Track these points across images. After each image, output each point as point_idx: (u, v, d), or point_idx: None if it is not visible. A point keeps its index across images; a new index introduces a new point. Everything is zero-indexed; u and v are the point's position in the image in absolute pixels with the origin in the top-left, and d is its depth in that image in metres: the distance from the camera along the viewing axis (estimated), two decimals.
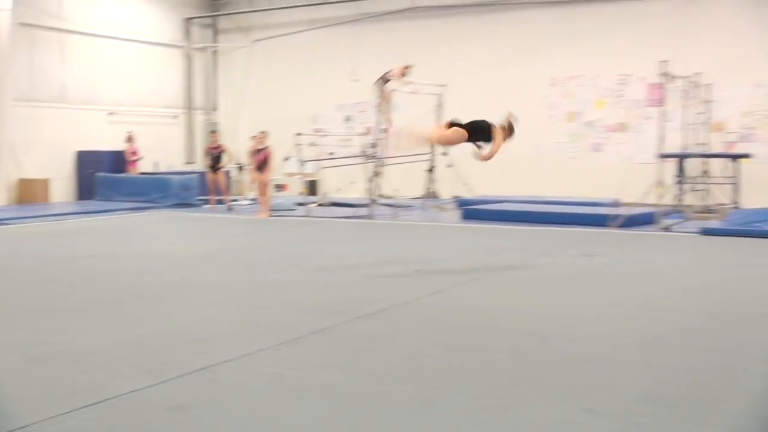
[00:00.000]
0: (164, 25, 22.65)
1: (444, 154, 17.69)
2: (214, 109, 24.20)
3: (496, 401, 4.34)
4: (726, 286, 8.03)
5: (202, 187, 18.75)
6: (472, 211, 15.43)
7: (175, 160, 22.70)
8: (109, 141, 20.46)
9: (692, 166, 15.20)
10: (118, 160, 20.25)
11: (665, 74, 13.10)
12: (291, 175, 20.64)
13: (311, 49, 22.25)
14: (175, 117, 23.09)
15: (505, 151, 19.12)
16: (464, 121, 9.70)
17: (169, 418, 4.14)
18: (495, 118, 10.09)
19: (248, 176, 17.01)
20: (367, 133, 18.56)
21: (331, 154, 19.48)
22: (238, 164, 22.34)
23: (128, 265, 9.55)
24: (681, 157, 15.31)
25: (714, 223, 13.28)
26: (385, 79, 16.12)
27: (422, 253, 10.56)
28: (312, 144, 16.96)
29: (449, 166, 17.63)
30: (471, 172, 17.92)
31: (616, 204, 14.36)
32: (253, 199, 17.89)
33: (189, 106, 23.43)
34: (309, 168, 18.81)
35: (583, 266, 9.31)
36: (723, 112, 17.03)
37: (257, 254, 10.66)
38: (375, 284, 8.11)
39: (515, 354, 5.32)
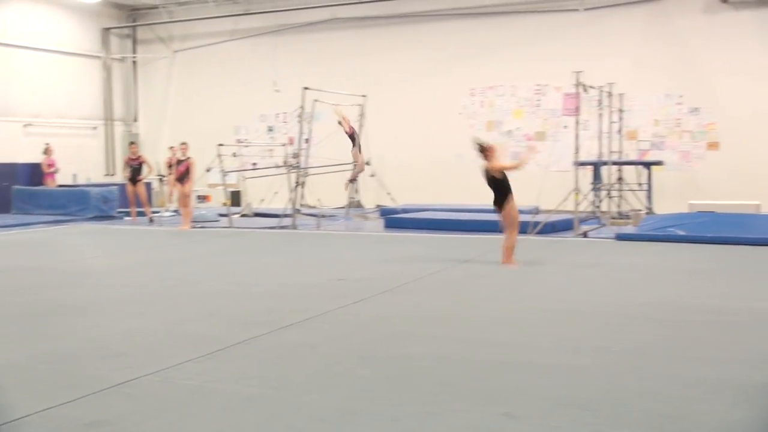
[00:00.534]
0: (82, 35, 22.23)
1: (367, 163, 17.76)
2: (135, 120, 23.83)
3: (419, 408, 4.40)
4: (638, 289, 8.27)
5: (122, 199, 18.44)
6: (395, 220, 15.55)
7: (95, 172, 22.27)
8: (25, 153, 19.98)
9: (608, 173, 15.60)
10: (34, 173, 19.77)
11: (580, 84, 13.43)
12: (214, 186, 20.46)
13: (232, 59, 22.12)
14: (94, 128, 22.67)
15: (426, 160, 19.45)
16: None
17: None
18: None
19: (169, 188, 16.78)
20: (289, 143, 18.54)
21: (254, 164, 19.40)
22: (160, 176, 22.04)
23: (47, 279, 9.34)
24: (596, 165, 15.70)
25: (629, 229, 13.67)
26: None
27: (345, 263, 10.60)
28: (234, 155, 16.85)
29: (372, 175, 17.72)
30: (393, 182, 18.08)
31: (535, 211, 14.64)
32: (175, 211, 17.67)
33: (108, 117, 23.02)
34: (232, 179, 18.68)
35: (504, 273, 9.48)
36: (636, 120, 17.59)
37: (179, 266, 10.54)
38: (298, 294, 8.11)
39: (437, 361, 5.39)
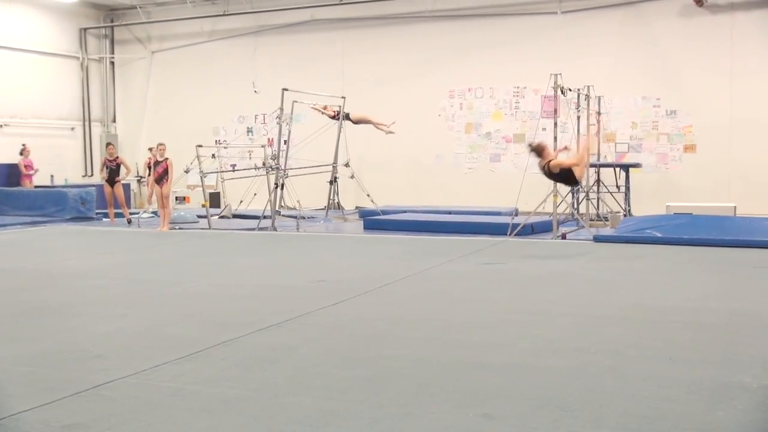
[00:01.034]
0: (59, 35, 22.08)
1: (346, 165, 17.78)
2: (113, 120, 23.69)
3: (398, 409, 4.40)
4: (616, 291, 8.33)
5: (100, 200, 18.31)
6: (375, 222, 15.56)
7: (72, 173, 22.12)
8: (2, 154, 19.81)
9: (586, 175, 15.67)
10: (11, 174, 19.60)
11: (558, 87, 13.50)
12: (192, 187, 20.38)
13: (211, 60, 22.06)
14: (72, 129, 22.53)
15: (405, 161, 19.47)
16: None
17: None
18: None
19: (148, 189, 16.70)
20: (269, 144, 18.50)
21: (233, 166, 19.35)
22: (139, 177, 21.94)
23: (24, 281, 9.26)
24: None
25: (607, 231, 13.77)
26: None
27: (325, 264, 10.59)
28: (214, 156, 16.81)
29: (351, 177, 17.73)
30: (372, 183, 18.09)
31: (514, 213, 14.71)
32: (153, 212, 17.58)
33: (86, 118, 22.87)
34: (211, 180, 18.61)
35: (483, 274, 9.51)
36: (613, 123, 17.72)
37: (157, 268, 10.50)
38: (277, 296, 8.10)
39: (416, 362, 5.40)
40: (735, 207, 14.34)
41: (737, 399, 4.53)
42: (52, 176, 20.96)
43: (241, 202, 17.93)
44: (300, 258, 11.39)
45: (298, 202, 16.56)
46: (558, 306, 7.41)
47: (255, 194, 16.98)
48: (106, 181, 17.38)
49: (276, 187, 15.69)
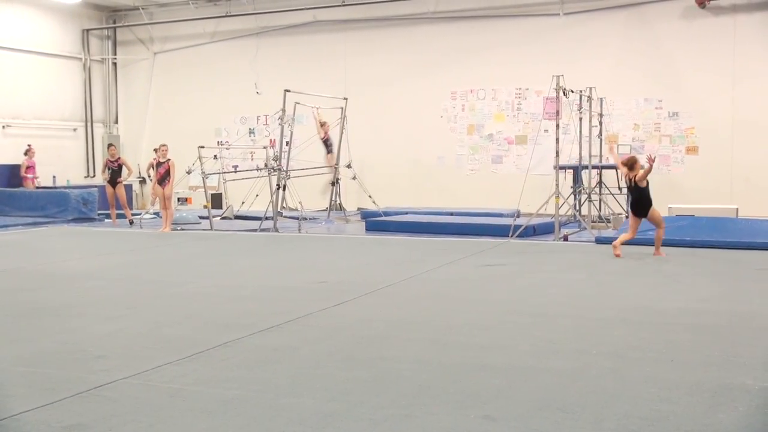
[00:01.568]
0: (61, 37, 22.10)
1: (348, 166, 17.81)
2: (115, 121, 23.70)
3: (398, 411, 4.40)
4: (617, 292, 8.33)
5: (102, 201, 18.33)
6: (377, 223, 15.56)
7: (74, 174, 22.14)
8: (4, 155, 19.83)
9: (588, 177, 15.68)
10: (13, 174, 19.62)
11: (560, 88, 13.49)
12: (194, 188, 20.39)
13: (213, 61, 22.08)
14: (74, 130, 22.55)
15: (407, 163, 19.53)
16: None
17: None
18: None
19: (151, 190, 16.71)
20: (271, 145, 18.51)
21: (235, 167, 19.35)
22: (141, 177, 21.97)
23: (25, 281, 9.28)
24: (577, 169, 15.78)
25: (608, 232, 13.75)
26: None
27: (326, 266, 10.59)
28: (216, 157, 16.81)
29: (353, 178, 17.74)
30: (374, 185, 18.10)
31: (516, 214, 14.70)
32: (156, 213, 17.60)
33: (88, 119, 22.89)
34: (213, 181, 18.62)
35: (484, 276, 9.51)
36: (616, 124, 17.71)
37: (159, 269, 10.50)
38: (278, 297, 8.10)
39: (417, 363, 5.40)
40: (737, 209, 14.33)
41: (738, 401, 4.52)
42: (54, 177, 20.98)
43: (242, 203, 17.92)
44: (301, 259, 11.39)
45: (299, 203, 16.56)
46: (559, 307, 7.41)
47: (257, 195, 16.98)
48: (108, 182, 17.38)
49: (278, 189, 15.69)
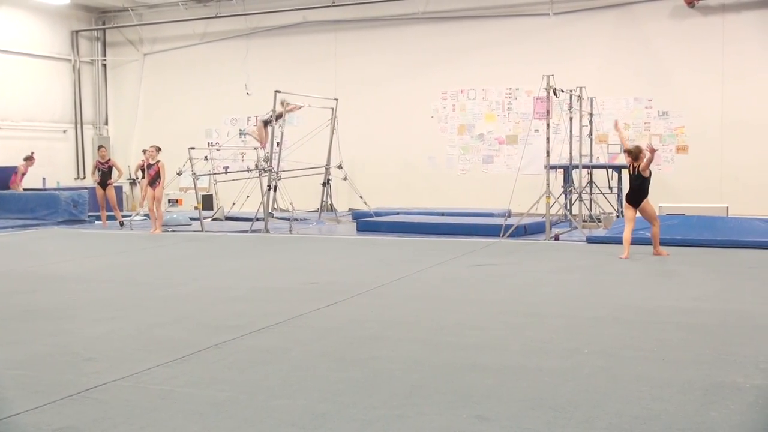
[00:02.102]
0: (51, 38, 22.02)
1: (339, 167, 17.80)
2: (105, 123, 23.63)
3: (391, 411, 4.39)
4: (608, 291, 8.34)
5: (92, 203, 18.26)
6: (368, 224, 15.55)
7: (65, 176, 22.06)
8: None
9: (579, 176, 15.71)
10: (3, 176, 19.50)
11: (550, 88, 13.51)
12: (185, 189, 20.35)
13: (203, 62, 22.03)
14: (64, 132, 22.47)
15: (398, 163, 19.53)
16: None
17: None
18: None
19: (141, 191, 16.66)
20: (261, 146, 18.47)
21: (225, 168, 19.31)
22: (131, 179, 21.90)
23: (15, 283, 9.24)
24: (567, 168, 15.80)
25: (599, 232, 13.78)
26: (266, 122, 16.34)
27: (317, 266, 10.57)
28: (206, 158, 16.77)
29: (344, 179, 17.73)
30: (365, 185, 18.10)
31: (507, 214, 14.71)
32: (146, 215, 17.55)
33: (78, 121, 22.81)
34: (203, 182, 18.58)
35: (476, 276, 9.51)
36: (606, 124, 17.74)
37: (150, 270, 10.47)
38: (270, 298, 8.09)
39: (409, 364, 5.39)
40: (727, 208, 14.37)
41: (730, 399, 4.53)
42: (44, 179, 20.89)
43: (233, 204, 17.90)
44: (292, 260, 11.38)
45: (290, 204, 16.54)
46: (550, 307, 7.42)
47: (248, 196, 16.96)
48: (98, 183, 17.31)
49: (269, 190, 15.67)
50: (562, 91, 14.22)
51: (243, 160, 20.27)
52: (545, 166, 13.70)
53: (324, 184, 18.41)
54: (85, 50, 23.07)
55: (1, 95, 20.52)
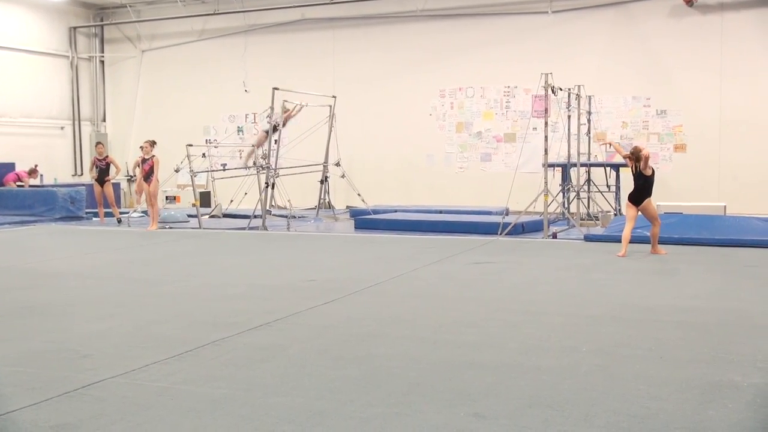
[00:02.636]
0: (49, 34, 21.99)
1: (337, 164, 17.79)
2: (102, 120, 23.60)
3: (388, 409, 4.39)
4: (606, 290, 8.34)
5: (90, 199, 18.24)
6: (365, 221, 15.55)
7: (62, 173, 22.04)
8: None
9: (577, 174, 15.71)
10: (0, 173, 19.49)
11: (548, 86, 13.50)
12: (183, 186, 20.32)
13: (201, 59, 22.01)
14: (62, 128, 22.44)
15: (396, 161, 19.53)
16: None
17: None
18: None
19: (137, 188, 16.65)
20: (259, 144, 18.46)
21: (223, 165, 19.31)
22: (129, 176, 21.88)
23: (12, 280, 9.22)
24: (565, 167, 15.80)
25: (597, 230, 13.78)
26: (267, 131, 16.34)
27: (315, 264, 10.56)
28: (204, 155, 16.77)
29: (342, 176, 17.72)
30: (363, 183, 18.08)
31: (505, 212, 14.71)
32: (143, 212, 17.54)
33: (76, 117, 22.78)
34: (201, 179, 18.56)
35: (473, 274, 9.50)
36: (604, 122, 17.75)
37: (146, 267, 10.45)
38: (267, 295, 8.08)
39: (407, 361, 5.38)
40: (725, 206, 14.39)
41: (728, 398, 4.53)
42: (41, 175, 20.86)
43: (231, 201, 17.89)
44: (290, 257, 11.37)
45: (288, 201, 16.53)
46: (548, 305, 7.42)
47: (245, 194, 16.95)
48: (96, 180, 17.30)
49: (267, 187, 15.66)
50: (561, 90, 14.21)
51: (241, 158, 20.25)
52: (543, 165, 13.69)
53: (322, 182, 18.39)
54: (82, 47, 23.04)
55: None
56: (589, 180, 15.98)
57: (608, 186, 16.49)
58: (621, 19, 18.05)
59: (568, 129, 15.08)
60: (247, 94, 21.09)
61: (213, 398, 4.59)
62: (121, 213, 17.53)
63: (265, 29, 21.25)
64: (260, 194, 15.65)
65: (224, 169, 18.21)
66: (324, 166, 18.18)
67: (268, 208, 15.98)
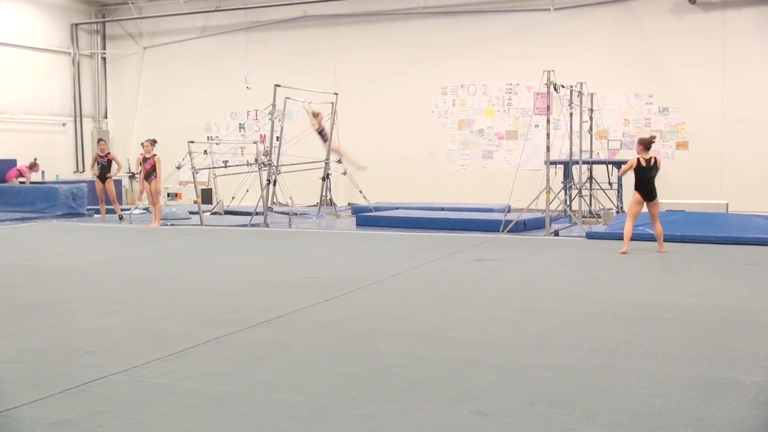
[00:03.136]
0: (50, 31, 21.98)
1: (338, 161, 17.79)
2: (104, 116, 23.60)
3: (389, 406, 4.38)
4: (608, 288, 8.33)
5: (91, 196, 18.25)
6: (367, 218, 15.53)
7: (64, 169, 22.04)
8: None
9: (579, 172, 15.69)
10: (2, 170, 19.49)
11: (551, 83, 13.48)
12: (184, 183, 20.32)
13: (203, 56, 21.99)
14: (63, 125, 22.44)
15: (398, 158, 19.48)
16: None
17: None
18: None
19: (139, 185, 16.65)
20: (261, 141, 18.47)
21: (225, 162, 19.30)
22: (130, 173, 21.88)
23: (13, 276, 9.22)
24: (567, 164, 15.79)
25: (599, 228, 13.77)
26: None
27: (317, 261, 10.56)
28: (206, 152, 16.77)
29: (344, 173, 17.71)
30: (365, 180, 18.07)
31: (507, 209, 14.70)
32: (145, 209, 17.54)
33: (77, 114, 22.77)
34: (203, 176, 18.55)
35: (475, 271, 9.49)
36: (606, 120, 17.73)
37: (148, 264, 10.45)
38: (269, 292, 8.07)
39: (408, 359, 5.38)
40: (727, 204, 14.36)
41: (730, 396, 4.52)
42: (43, 172, 20.87)
43: (233, 198, 17.89)
44: (292, 255, 11.37)
45: (290, 198, 16.53)
46: (550, 303, 7.41)
47: (247, 191, 16.94)
48: (97, 177, 17.30)
49: (268, 184, 15.66)
50: (563, 87, 14.19)
51: (242, 154, 20.24)
52: (545, 162, 13.67)
53: (323, 179, 18.38)
54: (84, 43, 23.02)
55: (1, 88, 20.47)
56: (591, 177, 15.96)
57: (610, 183, 16.47)
58: (623, 16, 18.02)
59: (570, 126, 15.05)
60: (248, 91, 21.07)
61: (214, 395, 4.58)
62: (122, 210, 17.53)
63: (267, 26, 21.23)
64: (262, 191, 15.64)
65: (226, 166, 18.20)
66: (325, 163, 18.18)
67: (269, 205, 15.97)
